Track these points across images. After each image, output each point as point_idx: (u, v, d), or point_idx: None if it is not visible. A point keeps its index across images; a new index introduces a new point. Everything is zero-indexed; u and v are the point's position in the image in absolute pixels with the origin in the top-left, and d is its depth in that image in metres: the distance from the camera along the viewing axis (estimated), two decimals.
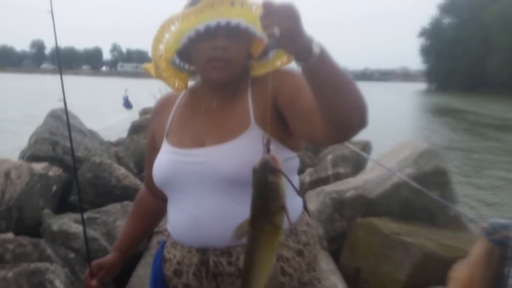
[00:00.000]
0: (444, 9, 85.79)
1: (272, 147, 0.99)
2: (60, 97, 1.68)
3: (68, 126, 1.70)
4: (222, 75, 1.29)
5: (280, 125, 1.26)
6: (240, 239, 1.01)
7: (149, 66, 1.40)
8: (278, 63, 1.32)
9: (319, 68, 1.01)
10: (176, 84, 1.44)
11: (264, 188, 0.98)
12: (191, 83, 1.46)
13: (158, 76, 1.38)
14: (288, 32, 0.95)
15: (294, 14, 0.95)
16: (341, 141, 1.16)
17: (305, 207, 1.45)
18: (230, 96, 1.34)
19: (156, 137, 1.48)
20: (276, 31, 0.94)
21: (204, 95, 1.39)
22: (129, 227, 1.64)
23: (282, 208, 0.98)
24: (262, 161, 0.98)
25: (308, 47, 0.99)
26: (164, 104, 1.52)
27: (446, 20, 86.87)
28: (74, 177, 1.88)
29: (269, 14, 0.95)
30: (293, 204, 1.38)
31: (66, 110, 1.67)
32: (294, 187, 1.04)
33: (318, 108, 1.09)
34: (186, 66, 1.41)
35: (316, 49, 0.99)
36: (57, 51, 1.73)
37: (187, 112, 1.42)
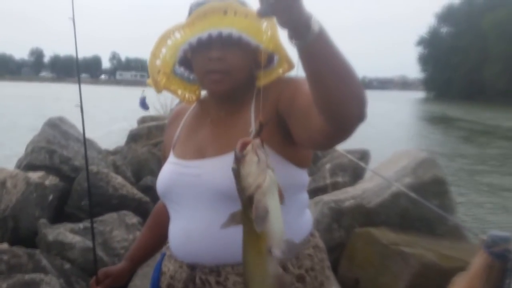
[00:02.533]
0: (442, 18, 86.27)
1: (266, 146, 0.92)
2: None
3: (83, 127, 1.68)
4: (220, 87, 1.27)
5: (284, 138, 1.21)
6: (229, 226, 0.91)
7: (150, 81, 1.39)
8: (280, 71, 1.29)
9: (317, 48, 0.93)
10: (187, 96, 1.43)
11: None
12: (203, 93, 1.44)
13: (161, 90, 1.37)
14: None
15: None
16: (338, 137, 1.05)
17: None
18: (235, 107, 1.31)
19: (166, 149, 1.47)
20: None
21: (211, 106, 1.37)
22: (143, 238, 1.61)
23: (251, 200, 0.86)
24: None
25: (306, 22, 0.90)
26: (176, 116, 1.51)
27: (444, 29, 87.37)
28: (87, 182, 1.89)
29: None
30: (298, 223, 1.32)
31: (82, 116, 1.67)
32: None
33: (314, 96, 1.00)
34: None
35: (315, 26, 0.90)
36: (77, 57, 1.72)
37: (195, 123, 1.41)
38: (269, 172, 0.88)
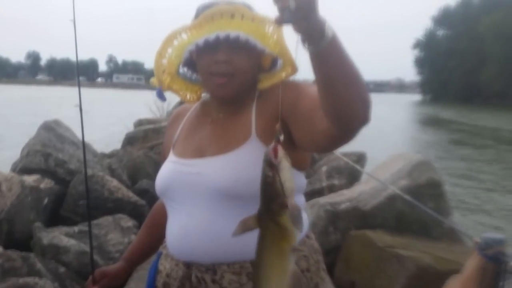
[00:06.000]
0: (438, 21, 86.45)
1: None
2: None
3: (82, 129, 1.68)
4: (226, 91, 1.28)
5: (284, 141, 1.22)
6: (242, 233, 0.95)
7: (155, 80, 1.39)
8: (283, 74, 1.30)
9: (330, 53, 0.94)
10: (188, 96, 1.44)
11: (263, 183, 0.92)
12: (204, 95, 1.45)
13: (165, 90, 1.38)
14: (305, 6, 0.86)
15: None
16: (342, 140, 1.07)
17: None
18: (236, 108, 1.33)
19: (166, 149, 1.48)
20: (292, 3, 0.84)
21: (212, 107, 1.38)
22: (141, 239, 1.61)
23: (284, 207, 0.90)
24: (264, 153, 0.92)
25: (321, 28, 0.91)
26: (176, 117, 1.52)
27: (440, 32, 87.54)
28: (85, 185, 1.89)
29: None
30: None
31: (81, 116, 1.66)
32: (282, 186, 0.92)
33: (322, 99, 1.02)
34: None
35: (329, 32, 0.92)
36: (76, 59, 1.71)
37: (195, 123, 1.42)
38: None
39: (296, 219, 0.90)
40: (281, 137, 0.96)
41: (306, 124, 1.14)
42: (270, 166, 0.91)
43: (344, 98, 0.98)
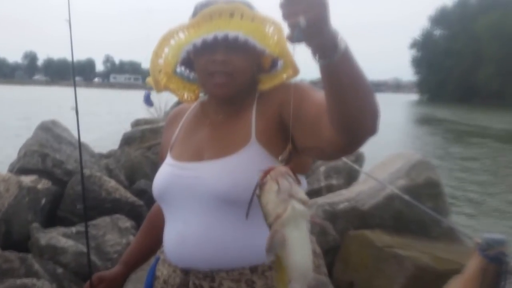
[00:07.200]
0: (435, 21, 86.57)
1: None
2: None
3: (78, 130, 1.66)
4: (224, 91, 1.24)
5: (285, 143, 1.17)
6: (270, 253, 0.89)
7: (151, 80, 1.37)
8: (284, 76, 1.27)
9: (342, 66, 0.91)
10: (186, 96, 1.41)
11: None
12: (202, 94, 1.42)
13: (161, 90, 1.35)
14: (316, 22, 0.83)
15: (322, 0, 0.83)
16: (349, 149, 1.05)
17: None
18: (235, 110, 1.29)
19: (163, 150, 1.45)
20: (302, 20, 0.80)
21: (211, 108, 1.35)
22: (138, 242, 1.59)
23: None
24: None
25: (333, 41, 0.88)
26: (174, 117, 1.49)
27: (437, 32, 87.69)
28: (81, 185, 1.87)
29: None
30: None
31: (77, 118, 1.65)
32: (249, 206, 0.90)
33: (331, 110, 0.99)
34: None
35: (341, 44, 0.89)
36: (72, 59, 1.69)
37: (193, 125, 1.38)
38: (294, 203, 0.85)
39: (269, 248, 0.84)
40: (280, 158, 0.94)
41: (310, 130, 1.11)
42: (257, 185, 0.88)
43: (353, 108, 0.95)
